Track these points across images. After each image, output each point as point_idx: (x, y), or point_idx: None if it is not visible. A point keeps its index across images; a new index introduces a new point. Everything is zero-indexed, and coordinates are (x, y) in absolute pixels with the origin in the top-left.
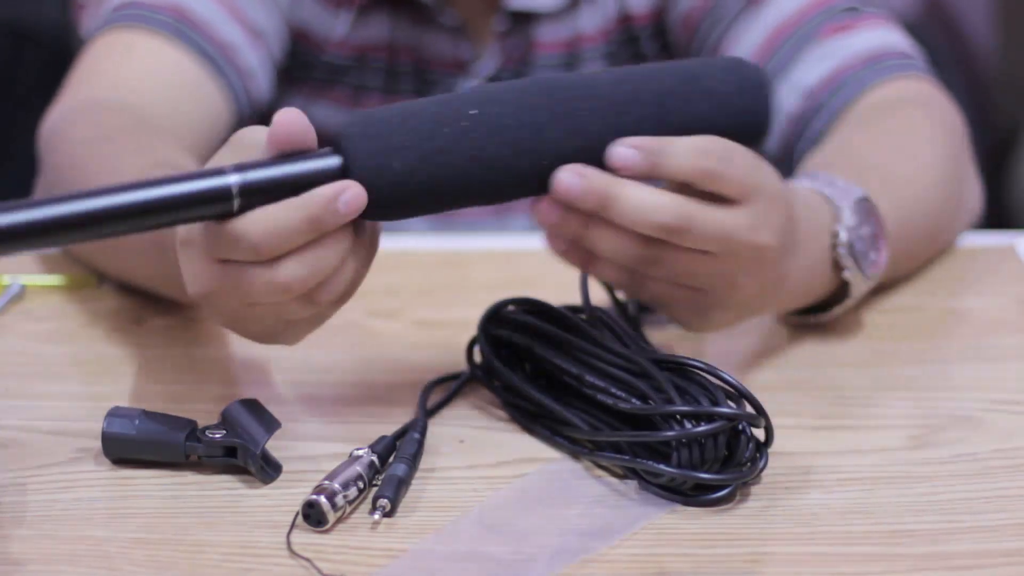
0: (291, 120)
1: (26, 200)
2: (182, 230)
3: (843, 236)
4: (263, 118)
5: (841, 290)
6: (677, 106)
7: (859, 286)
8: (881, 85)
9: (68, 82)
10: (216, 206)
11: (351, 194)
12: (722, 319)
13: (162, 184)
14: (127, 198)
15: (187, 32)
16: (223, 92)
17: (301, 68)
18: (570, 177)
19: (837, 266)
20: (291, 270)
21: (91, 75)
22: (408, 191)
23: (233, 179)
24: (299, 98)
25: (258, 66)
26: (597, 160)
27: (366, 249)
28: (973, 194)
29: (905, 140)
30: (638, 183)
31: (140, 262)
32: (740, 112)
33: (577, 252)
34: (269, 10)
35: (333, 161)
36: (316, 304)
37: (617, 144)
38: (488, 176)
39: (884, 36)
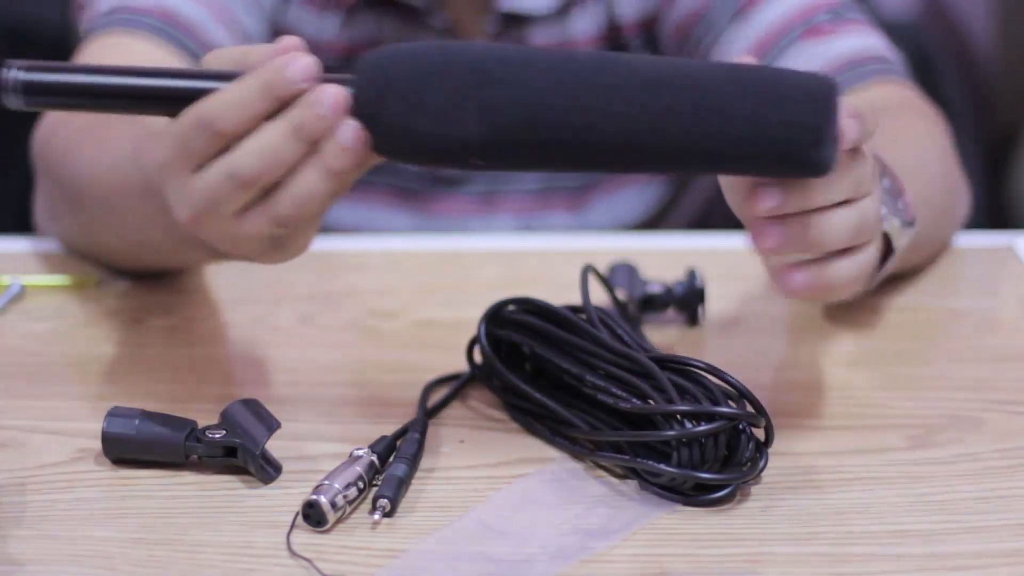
0: (288, 47)
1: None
2: (160, 158)
3: None
4: None
5: (884, 247)
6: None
7: (900, 237)
8: (860, 89)
9: None
10: None
11: (303, 62)
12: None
13: (202, 78)
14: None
15: (175, 34)
16: None
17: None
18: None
19: None
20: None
21: None
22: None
23: None
24: None
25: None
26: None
27: (334, 161)
28: (964, 196)
29: (905, 134)
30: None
31: (146, 230)
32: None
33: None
34: (254, 13)
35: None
36: (279, 213)
37: (763, 194)
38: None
39: (864, 41)
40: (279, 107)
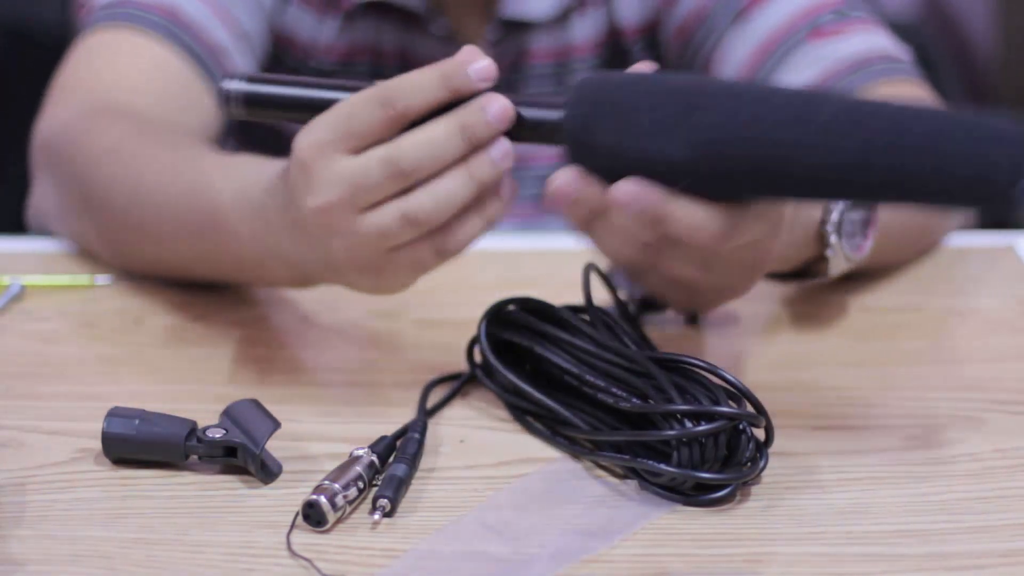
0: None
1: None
2: (322, 200)
3: (834, 216)
4: (248, 121)
5: (820, 264)
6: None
7: (838, 265)
8: (870, 89)
9: (59, 81)
10: None
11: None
12: (712, 302)
13: None
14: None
15: (178, 33)
16: (212, 93)
17: (288, 73)
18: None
19: (821, 241)
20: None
21: (84, 76)
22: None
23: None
24: None
25: (245, 69)
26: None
27: (499, 202)
28: None
29: None
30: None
31: (196, 259)
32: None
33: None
34: (254, 13)
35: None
36: (447, 251)
37: (626, 184)
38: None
39: (871, 40)
40: (471, 150)
